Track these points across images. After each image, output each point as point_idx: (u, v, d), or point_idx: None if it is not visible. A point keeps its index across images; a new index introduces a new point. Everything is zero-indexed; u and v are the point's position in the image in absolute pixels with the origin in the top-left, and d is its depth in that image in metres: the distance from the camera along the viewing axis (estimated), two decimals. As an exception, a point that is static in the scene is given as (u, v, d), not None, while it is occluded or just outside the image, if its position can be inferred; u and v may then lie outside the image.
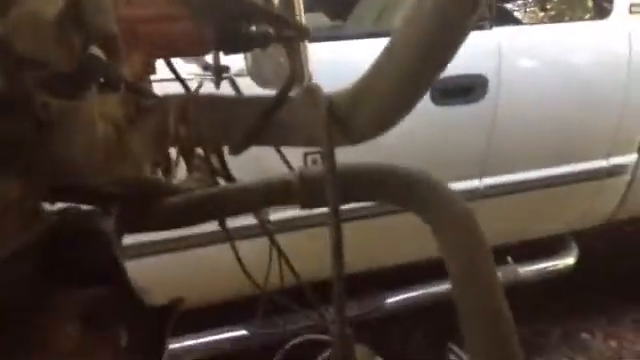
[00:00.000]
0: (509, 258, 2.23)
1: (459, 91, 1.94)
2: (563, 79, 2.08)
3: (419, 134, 1.86)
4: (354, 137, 0.57)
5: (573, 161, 2.15)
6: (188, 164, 0.70)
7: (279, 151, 0.76)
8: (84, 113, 0.57)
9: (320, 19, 2.34)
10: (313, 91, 0.57)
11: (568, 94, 2.08)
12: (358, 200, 0.70)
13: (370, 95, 0.55)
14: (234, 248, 0.88)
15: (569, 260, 2.32)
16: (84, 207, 0.69)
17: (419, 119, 1.48)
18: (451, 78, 1.87)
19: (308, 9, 2.44)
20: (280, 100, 0.57)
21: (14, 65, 0.54)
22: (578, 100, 2.09)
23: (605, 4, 2.19)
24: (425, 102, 1.81)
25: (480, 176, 2.04)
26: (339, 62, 1.83)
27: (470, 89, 1.96)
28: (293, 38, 0.57)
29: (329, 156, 0.55)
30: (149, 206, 0.72)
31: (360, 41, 1.93)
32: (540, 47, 2.08)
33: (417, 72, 0.52)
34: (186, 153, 0.64)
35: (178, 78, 0.68)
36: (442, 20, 0.48)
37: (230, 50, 0.58)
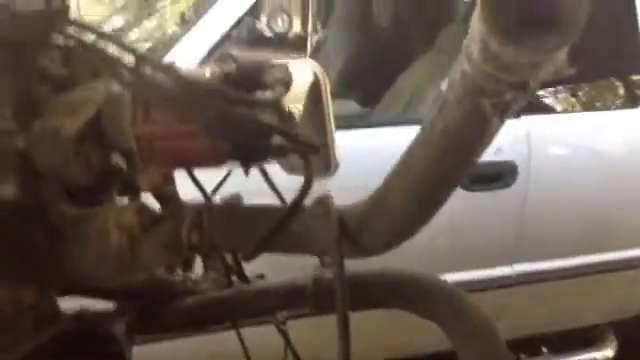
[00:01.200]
0: (544, 349, 2.13)
1: (488, 177, 1.93)
2: (595, 167, 2.05)
3: (448, 220, 1.84)
4: (365, 251, 0.57)
5: (608, 249, 2.08)
6: (204, 265, 0.71)
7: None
8: (99, 222, 0.59)
9: (350, 106, 2.39)
10: (325, 203, 0.58)
11: (600, 182, 2.04)
12: (372, 308, 0.69)
13: (382, 212, 0.55)
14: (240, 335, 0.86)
15: (607, 352, 2.20)
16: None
17: (448, 204, 1.47)
18: (480, 165, 1.86)
19: (339, 96, 2.51)
20: (292, 212, 0.58)
21: (33, 177, 0.56)
22: (611, 188, 2.05)
23: (638, 91, 2.19)
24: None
25: (511, 263, 1.99)
26: (366, 149, 1.85)
27: (499, 175, 1.95)
28: (307, 151, 0.58)
29: (339, 269, 0.55)
30: (163, 307, 0.72)
31: (387, 129, 1.96)
32: (570, 135, 2.07)
33: (429, 191, 0.52)
34: (201, 257, 0.65)
35: (198, 186, 0.70)
36: (453, 142, 0.49)
37: (246, 163, 0.59)
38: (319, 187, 0.59)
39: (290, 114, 0.59)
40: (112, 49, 0.55)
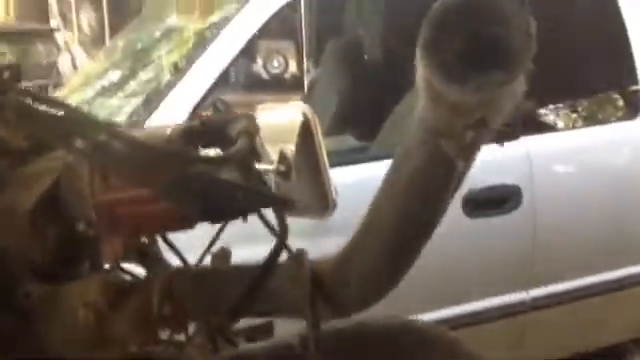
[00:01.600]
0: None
1: (492, 202, 1.90)
2: (601, 181, 2.01)
3: (454, 249, 1.80)
4: (340, 311, 0.54)
5: (625, 264, 2.02)
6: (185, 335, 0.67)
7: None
8: (65, 302, 0.56)
9: (347, 141, 2.37)
10: (299, 261, 0.55)
11: (608, 196, 2.00)
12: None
13: (356, 270, 0.52)
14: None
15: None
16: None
17: (452, 233, 1.44)
18: (482, 190, 1.83)
19: (335, 132, 2.49)
20: (264, 275, 0.55)
21: None
22: (619, 201, 2.00)
23: (635, 102, 2.16)
24: (458, 216, 1.78)
25: (527, 288, 1.94)
26: (364, 184, 1.83)
27: (503, 200, 1.91)
28: (279, 206, 0.55)
29: (313, 332, 0.51)
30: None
31: (386, 162, 1.93)
32: (572, 151, 2.03)
33: (401, 241, 0.49)
34: (177, 329, 0.61)
35: (173, 249, 0.67)
36: (418, 188, 0.46)
37: (216, 221, 0.57)
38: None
39: (256, 169, 0.57)
40: (67, 117, 0.53)
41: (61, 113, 0.52)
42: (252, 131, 0.56)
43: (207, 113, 2.20)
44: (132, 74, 2.40)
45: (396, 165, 0.47)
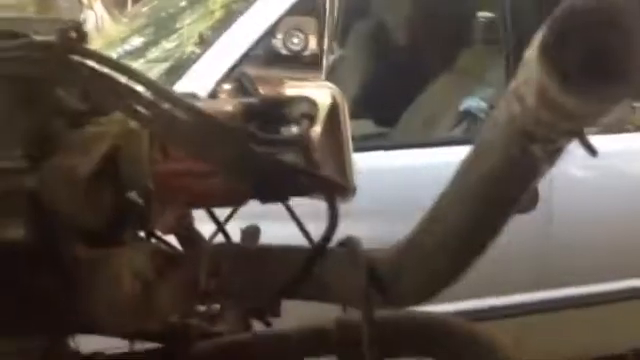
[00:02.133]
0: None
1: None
2: (621, 189, 1.99)
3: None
4: (395, 302, 0.53)
5: (635, 275, 2.01)
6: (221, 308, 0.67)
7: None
8: (112, 268, 0.55)
9: (367, 126, 2.35)
10: (353, 248, 0.54)
11: (627, 205, 1.98)
12: (401, 355, 0.65)
13: (414, 263, 0.51)
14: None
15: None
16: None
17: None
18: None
19: (355, 116, 2.48)
20: (314, 259, 0.54)
21: (44, 218, 0.53)
22: (636, 212, 1.99)
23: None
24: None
25: (536, 289, 1.93)
26: (385, 171, 1.82)
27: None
28: (334, 191, 0.54)
29: (368, 323, 0.51)
30: (180, 352, 0.68)
31: (405, 151, 1.92)
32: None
33: (466, 243, 0.48)
34: (220, 305, 0.61)
35: (220, 227, 0.66)
36: (494, 189, 0.45)
37: (267, 201, 0.56)
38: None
39: (314, 152, 0.56)
40: (130, 82, 0.52)
41: (125, 77, 0.52)
42: (314, 114, 0.55)
43: (230, 86, 2.18)
44: (155, 41, 2.38)
45: (469, 161, 0.46)
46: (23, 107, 0.53)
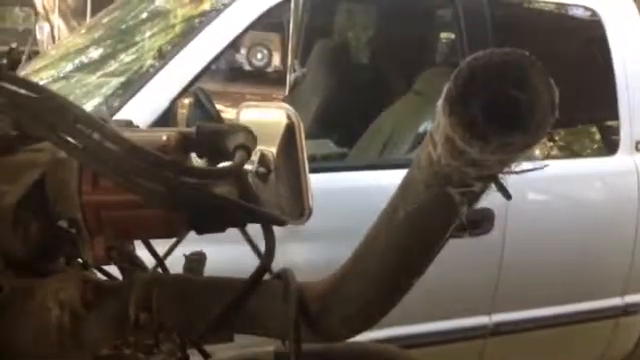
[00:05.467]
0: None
1: (466, 224, 1.91)
2: (574, 214, 2.04)
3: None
4: (325, 336, 0.53)
5: (587, 299, 2.06)
6: (156, 343, 0.65)
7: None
8: (39, 297, 0.54)
9: (326, 145, 2.36)
10: (286, 282, 0.54)
11: (579, 230, 2.03)
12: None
13: (343, 297, 0.51)
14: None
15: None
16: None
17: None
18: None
19: (314, 135, 2.47)
20: (248, 291, 0.53)
21: None
22: (590, 237, 2.04)
23: (614, 137, 2.20)
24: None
25: (489, 312, 1.96)
26: (343, 192, 1.82)
27: (476, 222, 1.93)
28: (270, 223, 0.54)
29: (295, 356, 0.50)
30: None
31: (364, 172, 1.93)
32: (549, 181, 2.06)
33: (391, 279, 0.48)
34: (151, 337, 0.60)
35: (155, 256, 0.65)
36: (417, 228, 0.45)
37: (202, 232, 0.55)
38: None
39: (250, 184, 0.55)
40: (59, 111, 0.51)
41: (55, 104, 0.50)
42: (250, 146, 0.55)
43: (188, 101, 2.14)
44: (114, 54, 2.34)
45: (396, 198, 0.46)
46: None
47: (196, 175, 0.50)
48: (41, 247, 0.53)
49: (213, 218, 0.53)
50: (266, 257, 0.54)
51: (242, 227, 0.59)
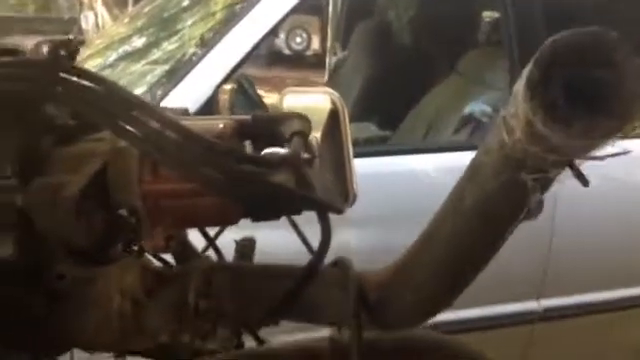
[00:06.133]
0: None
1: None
2: (626, 197, 1.98)
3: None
4: (385, 325, 0.52)
5: (639, 284, 2.00)
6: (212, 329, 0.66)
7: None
8: (101, 286, 0.55)
9: (369, 129, 2.35)
10: (344, 271, 0.53)
11: (631, 213, 1.97)
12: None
13: (406, 287, 0.50)
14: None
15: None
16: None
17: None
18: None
19: (356, 119, 2.46)
20: (306, 279, 0.53)
21: (31, 236, 0.53)
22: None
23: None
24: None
25: (538, 297, 1.92)
26: (386, 176, 1.81)
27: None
28: (324, 210, 0.53)
29: (356, 345, 0.50)
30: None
31: (407, 156, 1.90)
32: (601, 163, 1.99)
33: (457, 268, 0.47)
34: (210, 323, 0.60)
35: (212, 245, 0.66)
36: (486, 216, 0.44)
37: (258, 219, 0.55)
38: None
39: (306, 171, 0.55)
40: (120, 100, 0.52)
41: (115, 94, 0.51)
42: (306, 133, 0.54)
43: (229, 87, 2.14)
44: (157, 42, 2.37)
45: (463, 184, 0.45)
46: (13, 125, 0.53)
47: (255, 163, 0.50)
48: (103, 236, 0.54)
49: (270, 206, 0.53)
50: (322, 245, 0.54)
51: (297, 214, 0.58)
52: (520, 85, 0.36)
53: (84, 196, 0.51)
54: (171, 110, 0.59)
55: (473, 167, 0.44)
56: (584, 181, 0.40)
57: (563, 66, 0.35)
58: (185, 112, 0.62)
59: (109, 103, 0.50)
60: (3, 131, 0.53)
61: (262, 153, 0.57)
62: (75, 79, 0.50)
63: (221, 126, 0.54)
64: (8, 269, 0.53)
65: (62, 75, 0.50)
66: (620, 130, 0.36)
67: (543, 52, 0.35)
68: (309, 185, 0.55)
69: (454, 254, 0.47)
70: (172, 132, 0.50)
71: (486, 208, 0.44)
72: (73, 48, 0.53)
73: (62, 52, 0.51)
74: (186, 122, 0.52)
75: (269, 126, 0.56)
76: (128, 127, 0.50)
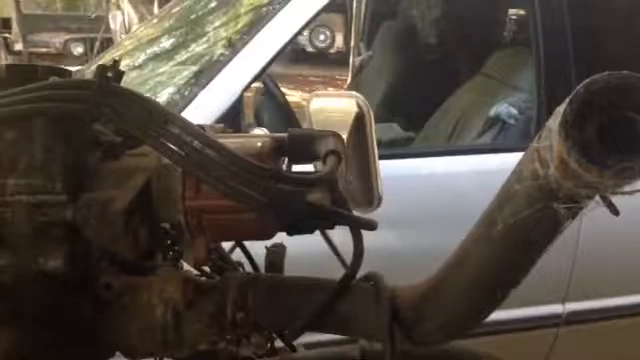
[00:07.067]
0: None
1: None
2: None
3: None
4: (417, 340, 0.54)
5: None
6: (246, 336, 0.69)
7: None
8: (144, 296, 0.57)
9: (393, 129, 2.35)
10: (377, 285, 0.55)
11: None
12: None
13: (437, 306, 0.52)
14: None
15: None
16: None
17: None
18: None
19: (380, 119, 2.46)
20: (339, 293, 0.55)
21: (79, 249, 0.55)
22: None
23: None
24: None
25: (563, 301, 1.92)
26: (409, 177, 1.81)
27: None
28: (357, 227, 0.55)
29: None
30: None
31: (432, 159, 1.91)
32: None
33: (488, 291, 0.49)
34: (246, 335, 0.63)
35: (249, 258, 0.68)
36: (516, 242, 0.46)
37: (294, 234, 0.57)
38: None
39: (340, 189, 0.57)
40: (162, 117, 0.54)
41: (158, 115, 0.53)
42: (340, 151, 0.56)
43: (257, 86, 2.15)
44: (185, 43, 2.41)
45: (494, 209, 0.46)
46: (62, 142, 0.56)
47: (293, 183, 0.52)
48: (147, 248, 0.56)
49: (306, 222, 0.55)
50: (355, 261, 0.56)
51: (331, 229, 0.60)
52: (554, 123, 0.38)
53: (131, 210, 0.53)
54: (210, 128, 0.61)
55: (505, 193, 0.46)
56: (614, 211, 0.41)
57: (598, 108, 0.36)
58: (224, 130, 0.64)
59: (152, 123, 0.53)
60: (53, 149, 0.55)
61: (294, 168, 0.59)
62: (121, 100, 0.53)
63: (259, 145, 0.56)
64: (58, 281, 0.55)
65: (109, 96, 0.53)
66: None
67: (578, 93, 0.37)
68: (344, 202, 0.57)
69: (485, 278, 0.49)
70: (212, 151, 0.52)
71: (518, 235, 0.45)
72: (119, 69, 0.55)
73: (109, 74, 0.54)
74: (225, 140, 0.54)
75: (305, 144, 0.58)
76: (170, 145, 0.52)
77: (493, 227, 0.45)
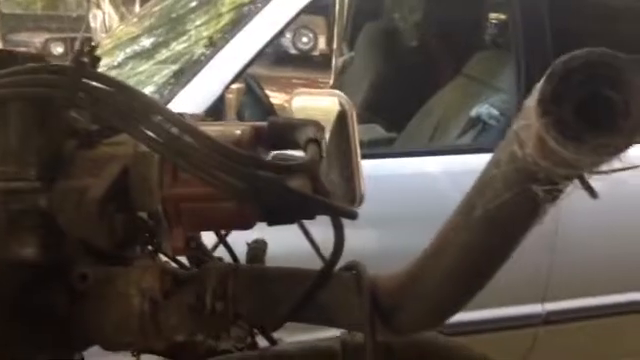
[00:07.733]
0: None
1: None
2: (632, 199, 1.98)
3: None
4: (398, 330, 0.53)
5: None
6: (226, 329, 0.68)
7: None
8: (121, 286, 0.56)
9: (375, 130, 2.36)
10: (358, 274, 0.55)
11: (638, 215, 1.97)
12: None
13: (416, 295, 0.52)
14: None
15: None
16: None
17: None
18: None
19: (363, 120, 2.47)
20: (321, 282, 0.55)
21: (54, 237, 0.54)
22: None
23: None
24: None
25: (542, 301, 1.93)
26: (391, 177, 1.82)
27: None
28: (338, 214, 0.55)
29: (372, 349, 0.51)
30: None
31: (413, 159, 1.91)
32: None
33: (466, 278, 0.49)
34: (225, 325, 0.62)
35: (228, 248, 0.67)
36: (496, 227, 0.45)
37: (274, 224, 0.56)
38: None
39: (320, 177, 0.56)
40: (141, 104, 0.53)
41: (136, 100, 0.52)
42: (320, 140, 0.56)
43: (236, 86, 2.14)
44: (165, 42, 2.39)
45: (473, 195, 0.46)
46: (37, 129, 0.54)
47: (273, 170, 0.52)
48: (123, 237, 0.55)
49: (286, 211, 0.55)
50: (336, 250, 0.55)
51: (312, 219, 0.60)
52: (532, 101, 0.38)
53: (107, 198, 0.52)
54: (190, 116, 0.60)
55: (483, 179, 0.45)
56: (593, 194, 0.41)
57: (576, 84, 0.36)
58: (203, 119, 0.63)
59: (129, 108, 0.52)
60: (28, 135, 0.54)
61: (272, 154, 0.59)
62: (97, 85, 0.52)
63: (238, 132, 0.56)
64: (32, 270, 0.54)
65: (85, 81, 0.52)
66: (629, 147, 0.37)
67: (556, 70, 0.37)
68: (325, 191, 0.56)
69: (464, 265, 0.48)
70: (191, 138, 0.51)
71: (497, 219, 0.45)
72: (95, 55, 0.54)
73: (85, 59, 0.53)
74: (205, 128, 0.54)
75: (285, 132, 0.57)
76: (148, 132, 0.51)
77: (472, 213, 0.45)
